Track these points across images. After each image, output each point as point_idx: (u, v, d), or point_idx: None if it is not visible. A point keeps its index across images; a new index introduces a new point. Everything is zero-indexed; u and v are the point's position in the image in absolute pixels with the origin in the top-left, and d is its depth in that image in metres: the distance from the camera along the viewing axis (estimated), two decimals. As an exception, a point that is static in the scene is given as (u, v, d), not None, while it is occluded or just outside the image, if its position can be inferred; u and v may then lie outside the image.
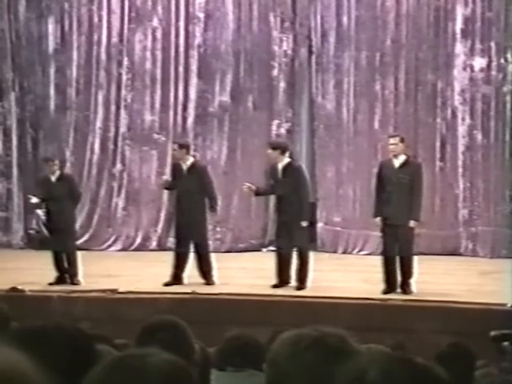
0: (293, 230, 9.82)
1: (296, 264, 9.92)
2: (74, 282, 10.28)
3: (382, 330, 8.21)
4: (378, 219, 9.77)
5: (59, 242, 10.39)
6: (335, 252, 13.33)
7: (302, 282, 9.89)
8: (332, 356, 1.99)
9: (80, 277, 10.34)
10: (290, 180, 9.91)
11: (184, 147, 10.47)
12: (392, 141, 9.80)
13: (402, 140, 9.81)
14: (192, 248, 10.29)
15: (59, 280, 10.31)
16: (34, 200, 10.53)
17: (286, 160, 10.02)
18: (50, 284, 10.19)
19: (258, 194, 10.75)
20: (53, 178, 10.47)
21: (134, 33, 14.10)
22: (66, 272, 10.38)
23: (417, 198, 9.65)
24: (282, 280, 9.94)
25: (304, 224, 9.83)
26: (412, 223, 9.58)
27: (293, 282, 9.97)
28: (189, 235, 10.23)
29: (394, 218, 9.53)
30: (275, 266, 9.98)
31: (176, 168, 10.55)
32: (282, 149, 10.09)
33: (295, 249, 9.96)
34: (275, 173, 10.06)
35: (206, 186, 10.31)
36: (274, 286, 9.88)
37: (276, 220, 10.45)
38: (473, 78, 13.19)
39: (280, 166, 9.98)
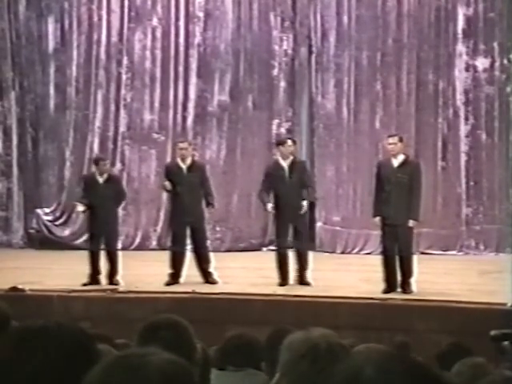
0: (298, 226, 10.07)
1: (297, 260, 10.04)
2: (113, 282, 10.13)
3: (381, 329, 8.21)
4: (378, 219, 9.76)
5: (101, 243, 10.24)
6: (334, 252, 13.32)
7: (304, 277, 10.00)
8: (331, 357, 1.99)
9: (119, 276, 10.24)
10: (296, 175, 10.01)
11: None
12: (391, 140, 9.78)
13: (400, 139, 9.78)
14: (191, 245, 10.34)
15: (94, 280, 10.13)
16: (81, 208, 10.36)
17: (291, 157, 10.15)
18: (84, 284, 9.96)
19: None
20: (101, 180, 10.24)
21: (133, 32, 14.11)
22: (99, 273, 10.21)
23: (416, 198, 9.62)
24: (285, 279, 10.03)
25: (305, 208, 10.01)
26: (411, 223, 9.56)
27: (293, 280, 10.05)
28: (188, 223, 10.20)
29: (393, 218, 9.52)
30: (277, 266, 10.03)
31: (174, 167, 10.48)
32: (294, 142, 10.46)
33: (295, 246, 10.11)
34: (280, 169, 10.09)
35: (205, 182, 10.37)
36: (281, 285, 9.96)
37: (284, 217, 10.28)
38: (476, 79, 13.20)
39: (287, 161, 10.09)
